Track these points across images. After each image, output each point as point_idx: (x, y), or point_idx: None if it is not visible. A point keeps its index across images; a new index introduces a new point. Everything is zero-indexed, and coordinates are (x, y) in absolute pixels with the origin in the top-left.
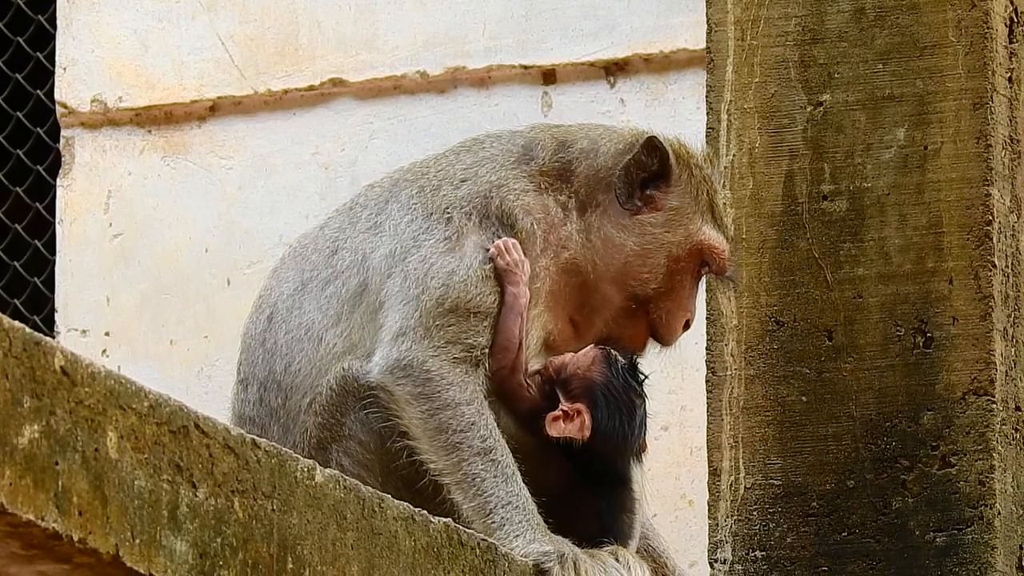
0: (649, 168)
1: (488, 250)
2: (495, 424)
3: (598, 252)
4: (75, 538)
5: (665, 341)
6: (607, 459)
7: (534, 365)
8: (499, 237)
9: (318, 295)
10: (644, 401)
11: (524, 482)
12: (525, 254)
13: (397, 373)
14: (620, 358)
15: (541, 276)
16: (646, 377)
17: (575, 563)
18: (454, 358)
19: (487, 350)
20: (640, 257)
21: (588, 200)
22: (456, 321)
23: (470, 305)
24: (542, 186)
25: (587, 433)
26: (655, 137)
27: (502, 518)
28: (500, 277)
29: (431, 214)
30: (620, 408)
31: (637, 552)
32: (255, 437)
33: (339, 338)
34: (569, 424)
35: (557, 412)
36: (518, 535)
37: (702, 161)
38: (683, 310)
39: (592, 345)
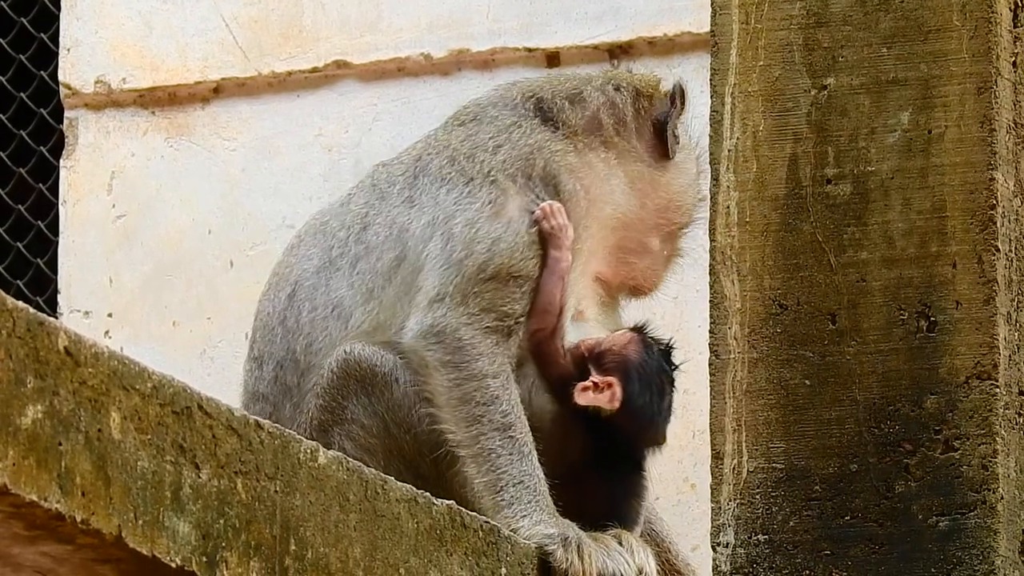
0: (679, 112)
1: (533, 213)
2: (518, 399)
3: (649, 198)
4: (78, 519)
5: None
6: (631, 438)
7: (570, 336)
8: (543, 199)
9: (348, 272)
10: (674, 389)
11: (541, 460)
12: (569, 216)
13: (430, 339)
14: (656, 343)
15: (583, 237)
16: (678, 367)
17: (579, 546)
18: (487, 327)
19: (523, 318)
20: (684, 192)
21: (624, 151)
22: (495, 288)
23: (512, 271)
24: (578, 146)
25: (617, 404)
26: (682, 87)
27: (512, 496)
28: (544, 240)
29: (471, 179)
30: (651, 387)
31: (640, 536)
32: (258, 418)
33: (368, 315)
34: (599, 394)
35: (587, 382)
36: (525, 515)
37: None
38: None
39: (627, 329)
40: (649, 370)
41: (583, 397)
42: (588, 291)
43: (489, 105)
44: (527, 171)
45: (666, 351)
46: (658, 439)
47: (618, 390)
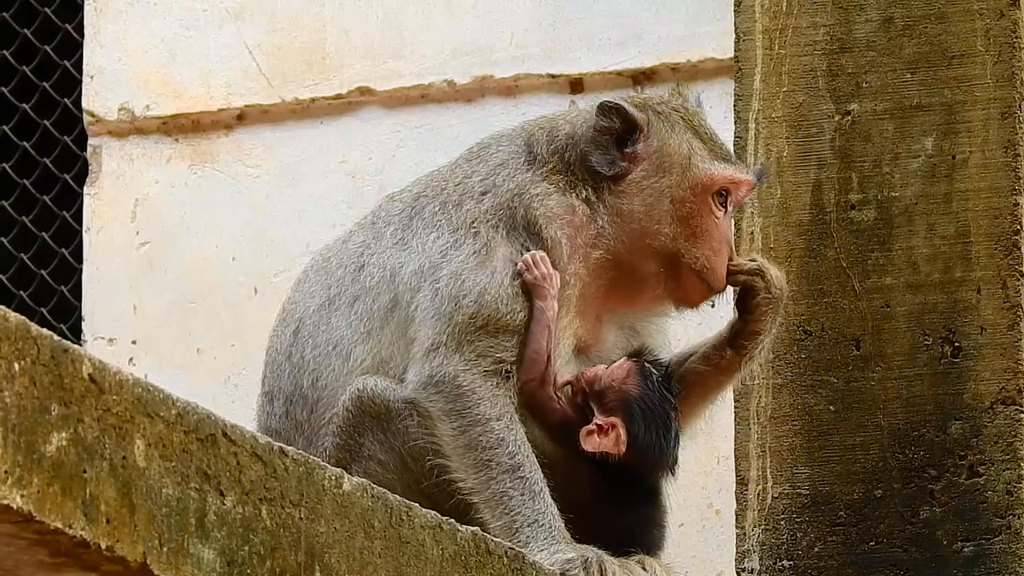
0: (614, 129)
1: (517, 264)
2: (524, 438)
3: (622, 231)
4: (103, 546)
5: (714, 286)
6: (642, 472)
7: (565, 374)
8: (527, 247)
9: (347, 312)
10: (678, 413)
11: (553, 496)
12: (553, 263)
13: (430, 389)
14: (654, 370)
15: (571, 283)
16: (679, 391)
17: (600, 566)
18: (484, 371)
19: (515, 364)
20: (648, 214)
21: (596, 186)
22: (486, 336)
23: (500, 323)
24: (560, 185)
25: (623, 448)
26: (606, 100)
27: (528, 536)
28: (529, 291)
29: (457, 229)
30: (656, 421)
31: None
32: (282, 445)
33: (368, 354)
34: (604, 438)
35: (591, 426)
36: (543, 550)
37: (667, 98)
38: (719, 250)
39: (625, 358)
40: (651, 403)
41: (589, 443)
42: (590, 332)
43: (494, 140)
44: (509, 220)
45: (666, 376)
46: (670, 468)
47: (622, 432)
